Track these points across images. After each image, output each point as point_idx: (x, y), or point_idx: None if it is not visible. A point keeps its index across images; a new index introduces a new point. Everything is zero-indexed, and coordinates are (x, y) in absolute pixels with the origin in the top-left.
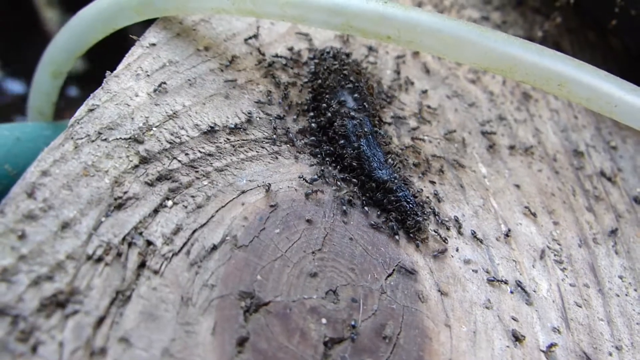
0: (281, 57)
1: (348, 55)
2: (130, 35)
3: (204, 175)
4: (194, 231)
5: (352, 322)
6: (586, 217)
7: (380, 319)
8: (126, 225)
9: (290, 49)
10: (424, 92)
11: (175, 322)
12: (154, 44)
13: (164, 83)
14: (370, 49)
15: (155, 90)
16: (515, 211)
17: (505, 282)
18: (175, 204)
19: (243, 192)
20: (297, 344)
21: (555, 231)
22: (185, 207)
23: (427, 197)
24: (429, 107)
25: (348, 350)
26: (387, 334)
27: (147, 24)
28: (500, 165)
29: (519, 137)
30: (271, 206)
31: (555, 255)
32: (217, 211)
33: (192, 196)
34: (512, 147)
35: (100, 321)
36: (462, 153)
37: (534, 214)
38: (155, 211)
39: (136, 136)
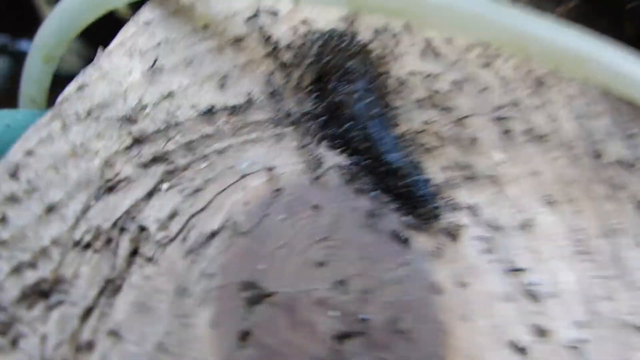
0: (283, 38)
1: (354, 35)
2: (118, 16)
3: (202, 158)
4: (191, 216)
5: (364, 315)
6: (607, 206)
7: (393, 312)
8: (117, 209)
9: (294, 30)
10: (434, 76)
11: (171, 314)
12: (148, 22)
13: (160, 62)
14: (376, 31)
15: (149, 69)
16: (533, 200)
17: (527, 274)
18: (171, 187)
19: (244, 175)
20: (304, 338)
21: (575, 221)
22: (182, 191)
23: (440, 184)
24: (438, 91)
25: (359, 345)
26: (401, 328)
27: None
28: (515, 152)
29: (533, 123)
30: (274, 191)
31: (577, 245)
32: (216, 195)
33: (190, 179)
34: (527, 134)
35: (88, 312)
36: (475, 139)
37: (554, 203)
38: (149, 194)
39: (129, 116)
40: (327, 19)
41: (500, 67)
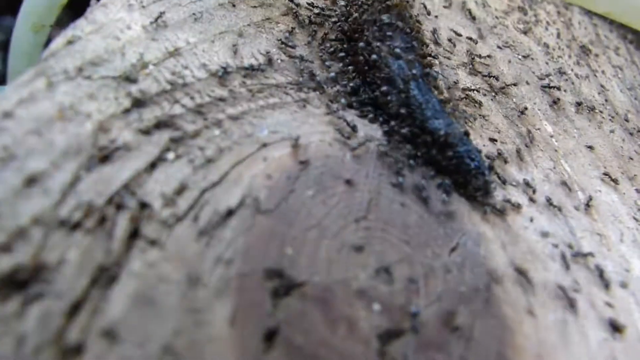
0: None
1: None
2: None
3: (214, 124)
4: (204, 191)
5: (413, 309)
6: None
7: (447, 305)
8: (113, 182)
9: None
10: (473, 40)
11: (180, 309)
12: None
13: (164, 14)
14: None
15: (152, 23)
16: (592, 176)
17: (593, 259)
18: (178, 156)
19: (264, 145)
20: (343, 337)
21: (639, 200)
22: (192, 161)
23: (490, 157)
24: (479, 56)
25: (410, 345)
26: (457, 324)
27: None
28: (567, 123)
29: (583, 94)
30: (301, 162)
31: None
32: (232, 167)
33: (201, 148)
34: (578, 105)
35: (76, 307)
36: (523, 108)
37: (615, 181)
38: (153, 165)
39: (128, 74)
40: None
41: (542, 34)
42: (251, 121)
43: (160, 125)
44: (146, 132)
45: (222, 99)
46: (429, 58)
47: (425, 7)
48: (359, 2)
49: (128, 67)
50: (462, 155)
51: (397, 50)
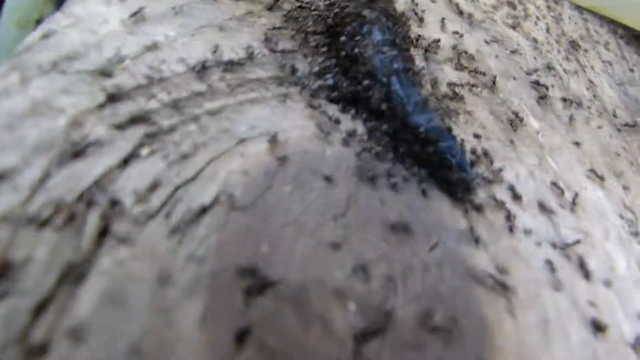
0: None
1: None
2: None
3: (191, 119)
4: (177, 188)
5: (389, 307)
6: None
7: (425, 304)
8: (85, 178)
9: None
10: (460, 34)
11: (150, 308)
12: None
13: (143, 9)
14: None
15: (130, 17)
16: (578, 173)
17: (577, 257)
18: (152, 152)
19: (242, 140)
20: (317, 338)
21: (626, 197)
22: (166, 156)
23: (474, 153)
24: (466, 52)
25: (386, 346)
26: (436, 324)
27: None
28: (554, 119)
29: (571, 89)
30: (279, 158)
31: (629, 225)
32: (208, 163)
33: (176, 144)
34: (565, 100)
35: (43, 306)
36: (510, 104)
37: (601, 177)
38: (126, 161)
39: (104, 68)
40: None
41: (531, 29)
42: (229, 116)
43: (135, 120)
44: (120, 127)
45: (200, 94)
46: (412, 53)
47: (412, 1)
48: None
49: (104, 62)
50: (443, 151)
51: (379, 44)
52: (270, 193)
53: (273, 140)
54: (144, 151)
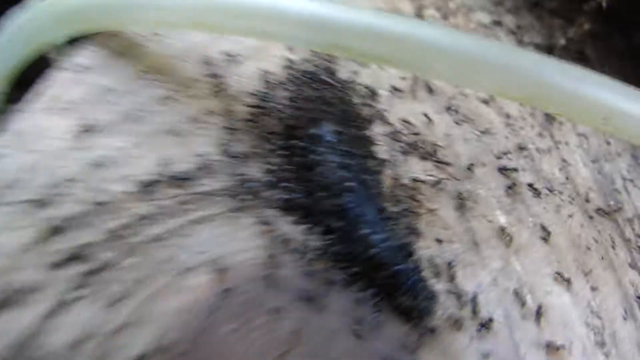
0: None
1: (333, 73)
2: (48, 55)
3: (131, 249)
4: (107, 337)
5: None
6: (630, 276)
7: None
8: (11, 333)
9: (264, 70)
10: (428, 118)
11: None
12: (84, 66)
13: (94, 117)
14: (362, 64)
15: (78, 130)
16: (544, 274)
17: None
18: (85, 296)
19: (184, 271)
20: None
21: (593, 300)
22: (100, 299)
23: (434, 263)
24: (433, 135)
25: None
26: None
27: None
28: (522, 211)
29: (543, 171)
30: (223, 292)
31: (595, 334)
32: (143, 304)
33: (112, 282)
34: (536, 188)
35: None
36: (476, 197)
37: (568, 280)
38: (56, 309)
39: (41, 197)
40: (301, 57)
41: (504, 103)
42: (174, 242)
43: (73, 257)
44: (57, 266)
45: (143, 218)
46: (371, 154)
47: (372, 92)
48: (302, 95)
49: (42, 189)
50: (396, 274)
51: (335, 152)
52: (211, 334)
53: (218, 268)
54: (78, 294)
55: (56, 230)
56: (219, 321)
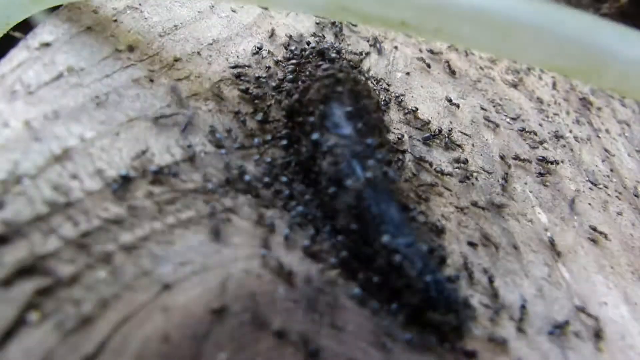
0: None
1: (340, 52)
2: (12, 33)
3: (101, 260)
4: None
5: None
6: None
7: None
8: None
9: (258, 47)
10: (452, 102)
11: None
12: (47, 44)
13: (57, 102)
14: (374, 42)
15: (39, 116)
16: (597, 282)
17: None
18: (44, 317)
19: (167, 286)
20: None
21: None
22: (61, 323)
23: (467, 270)
24: (458, 126)
25: None
26: None
27: None
28: (565, 209)
29: (584, 163)
30: (214, 312)
31: None
32: (116, 328)
33: (76, 301)
34: (577, 181)
35: None
36: (511, 192)
37: (624, 289)
38: (9, 334)
39: None
40: (305, 27)
41: (535, 85)
42: (153, 250)
43: (25, 271)
44: (6, 282)
45: (116, 222)
46: (388, 145)
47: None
48: (305, 73)
49: None
50: (428, 287)
51: (347, 141)
52: None
53: (208, 281)
54: (33, 317)
55: (3, 239)
56: (208, 350)
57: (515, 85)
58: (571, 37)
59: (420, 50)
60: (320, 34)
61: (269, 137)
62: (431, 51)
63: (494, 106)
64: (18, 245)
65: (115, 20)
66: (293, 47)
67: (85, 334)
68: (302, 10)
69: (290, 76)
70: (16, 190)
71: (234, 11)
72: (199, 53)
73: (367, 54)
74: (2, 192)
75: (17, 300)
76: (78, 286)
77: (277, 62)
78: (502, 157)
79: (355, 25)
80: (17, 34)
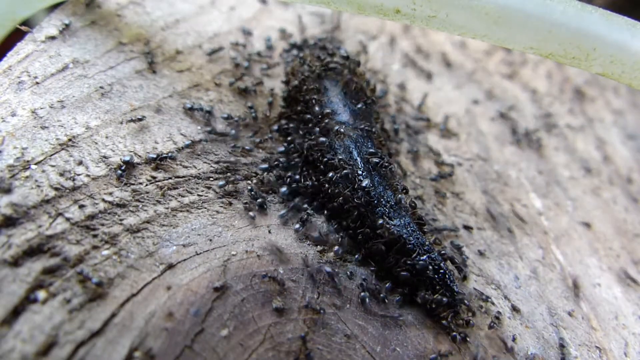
0: (240, 45)
1: (338, 45)
2: (19, 27)
3: (106, 241)
4: (78, 346)
5: None
6: None
7: None
8: None
9: (264, 39)
10: (446, 94)
11: None
12: (53, 37)
13: (63, 93)
14: (371, 35)
15: (45, 106)
16: (590, 265)
17: None
18: (51, 295)
19: (171, 266)
20: None
21: None
22: (68, 301)
23: (462, 253)
24: (454, 115)
25: None
26: None
27: None
28: (559, 194)
29: (578, 151)
30: (216, 289)
31: None
32: (122, 305)
33: (82, 280)
34: (571, 167)
35: None
36: (506, 179)
37: (617, 270)
38: (16, 312)
39: (1, 180)
40: (304, 22)
41: (530, 76)
42: (157, 232)
43: (33, 251)
44: (14, 263)
45: (121, 204)
46: (385, 133)
47: (383, 66)
48: (306, 64)
49: (3, 171)
50: (423, 267)
51: (345, 129)
52: (201, 341)
53: (211, 261)
54: (41, 295)
55: (10, 221)
56: (210, 325)
57: (510, 77)
58: (561, 22)
59: (417, 44)
60: (318, 27)
61: (269, 125)
62: (425, 46)
63: (488, 97)
64: (26, 227)
65: (119, 15)
66: (292, 41)
67: (92, 310)
68: (299, 0)
69: (290, 67)
70: (24, 175)
71: (232, 8)
72: (200, 46)
73: (365, 46)
74: (10, 177)
75: (26, 279)
76: (84, 266)
77: (276, 52)
78: (496, 146)
79: (352, 18)
80: (23, 28)
